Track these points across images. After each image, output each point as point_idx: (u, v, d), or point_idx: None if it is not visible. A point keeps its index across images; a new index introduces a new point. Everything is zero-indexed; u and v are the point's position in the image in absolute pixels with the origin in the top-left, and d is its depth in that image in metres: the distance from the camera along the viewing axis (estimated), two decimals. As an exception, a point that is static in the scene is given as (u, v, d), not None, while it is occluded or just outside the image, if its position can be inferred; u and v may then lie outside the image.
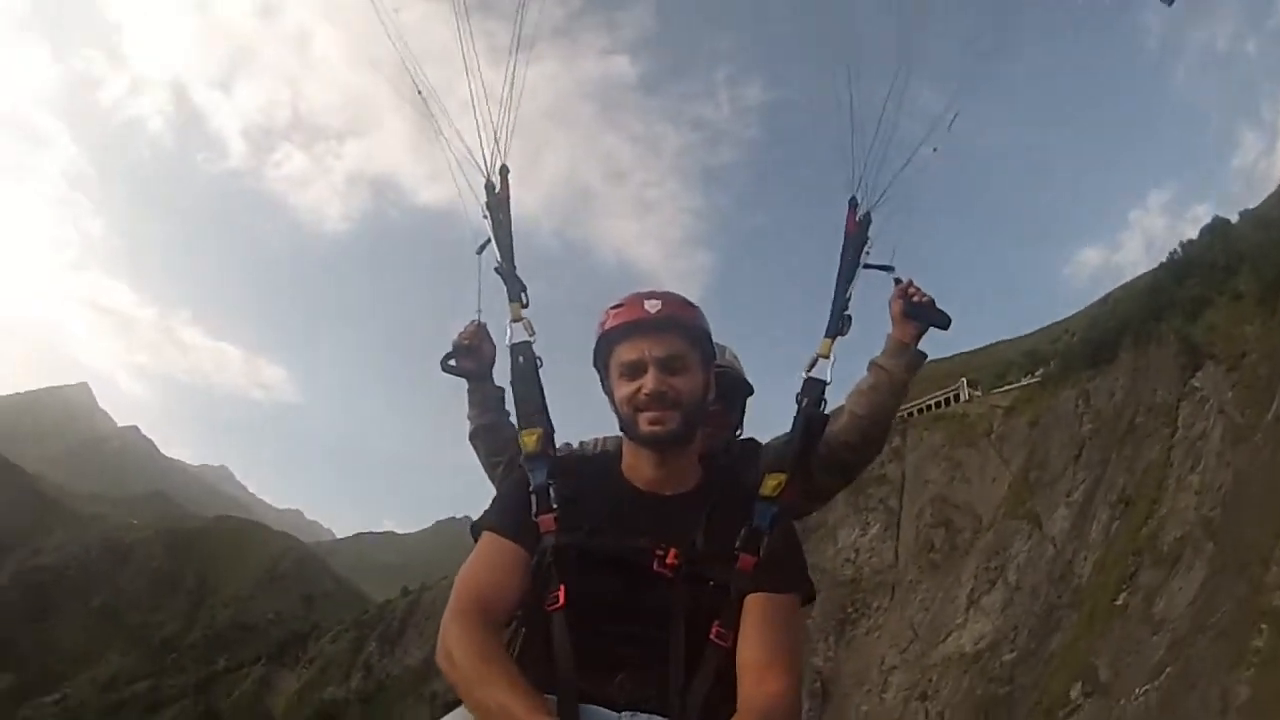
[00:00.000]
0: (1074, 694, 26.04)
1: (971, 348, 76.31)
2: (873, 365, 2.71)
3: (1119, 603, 26.71)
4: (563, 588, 2.03)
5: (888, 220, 2.77)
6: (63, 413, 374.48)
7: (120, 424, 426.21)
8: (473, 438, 3.04)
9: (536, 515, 2.16)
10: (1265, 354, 27.26)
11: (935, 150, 2.82)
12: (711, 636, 2.02)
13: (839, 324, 2.66)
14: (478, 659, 1.89)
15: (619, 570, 2.06)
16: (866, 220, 2.78)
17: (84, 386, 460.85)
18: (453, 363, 2.97)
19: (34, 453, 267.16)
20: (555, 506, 2.16)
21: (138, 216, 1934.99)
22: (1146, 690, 23.11)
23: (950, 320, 2.70)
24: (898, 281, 2.72)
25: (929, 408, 55.66)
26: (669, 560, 2.05)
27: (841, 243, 2.77)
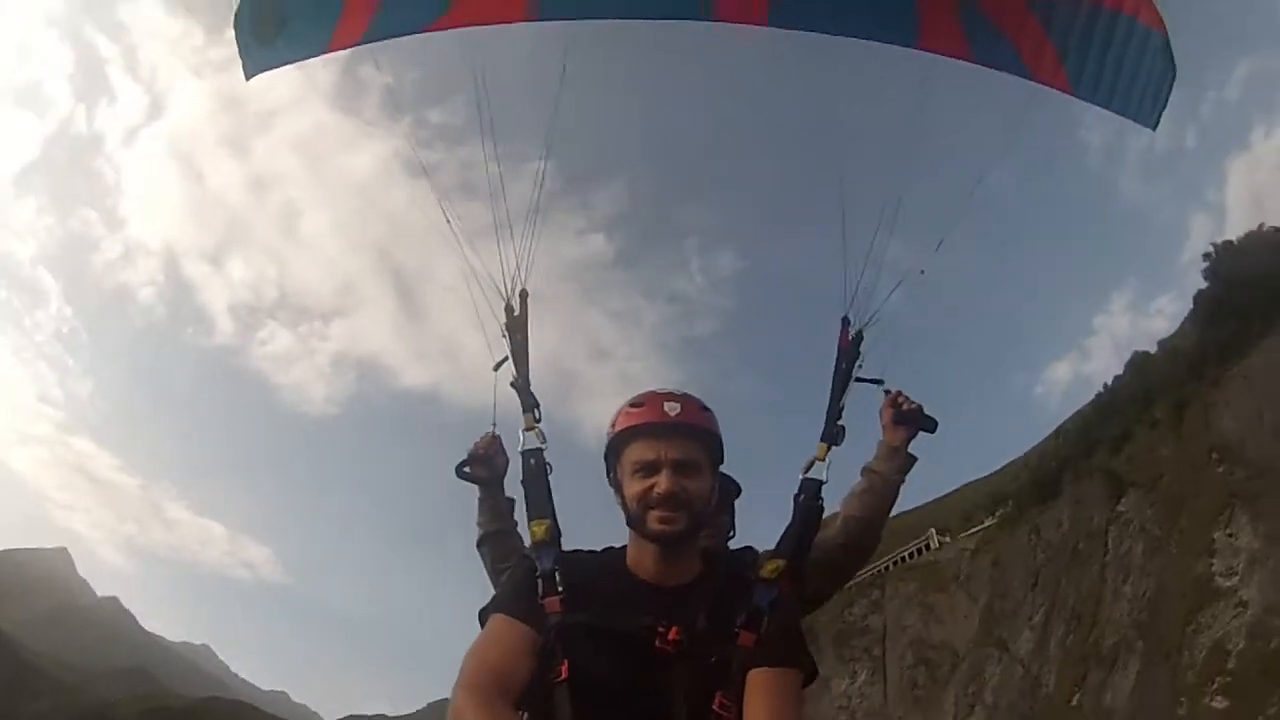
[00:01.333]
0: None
1: (943, 492, 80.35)
2: (865, 470, 2.94)
3: (1074, 703, 30.41)
4: (566, 662, 2.10)
5: (876, 340, 2.97)
6: (41, 576, 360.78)
7: (100, 594, 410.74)
8: (480, 544, 3.20)
9: (543, 598, 2.21)
10: (1176, 473, 32.16)
11: (922, 273, 3.07)
12: (714, 707, 2.09)
13: (834, 431, 2.84)
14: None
15: (622, 648, 2.12)
16: (858, 338, 3.01)
17: (63, 551, 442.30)
18: (468, 470, 3.18)
19: (11, 614, 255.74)
20: (561, 590, 2.22)
21: (126, 384, 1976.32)
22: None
23: (937, 424, 2.95)
24: (887, 392, 2.97)
25: (903, 559, 59.19)
26: (671, 638, 2.11)
27: (835, 358, 2.99)
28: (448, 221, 3.24)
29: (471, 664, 2.10)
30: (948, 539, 58.65)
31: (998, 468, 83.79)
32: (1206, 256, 36.61)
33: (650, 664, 2.10)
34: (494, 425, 3.15)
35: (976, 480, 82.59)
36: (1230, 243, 36.46)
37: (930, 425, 2.94)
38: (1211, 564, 25.57)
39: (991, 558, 48.62)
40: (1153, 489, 32.39)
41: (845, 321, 3.06)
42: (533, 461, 2.68)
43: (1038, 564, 42.58)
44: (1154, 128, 3.74)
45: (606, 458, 2.37)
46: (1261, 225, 36.82)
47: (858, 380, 2.97)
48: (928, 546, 59.45)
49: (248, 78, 3.89)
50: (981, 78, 3.72)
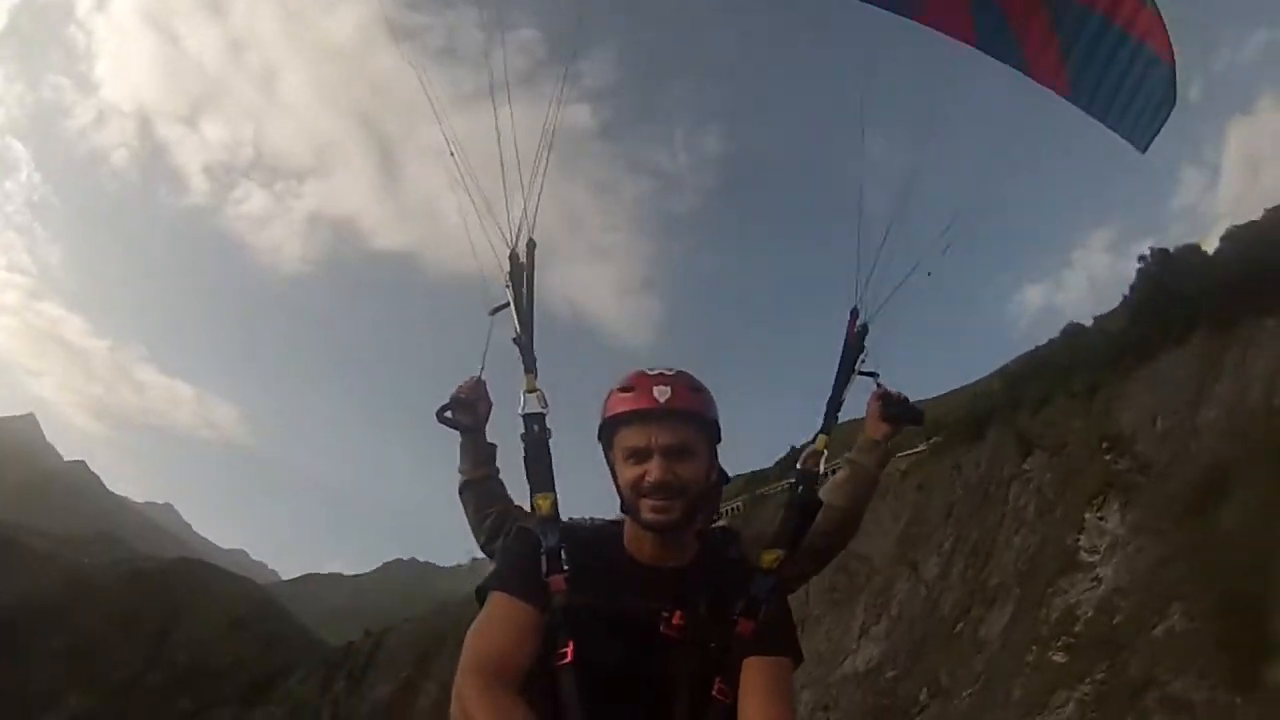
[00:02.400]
0: (922, 698, 34.88)
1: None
2: (847, 460, 3.14)
3: (956, 630, 35.80)
4: (571, 644, 2.14)
5: (881, 333, 3.09)
6: (9, 444, 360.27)
7: (67, 458, 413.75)
8: (463, 490, 3.25)
9: (547, 576, 2.26)
10: (1078, 445, 36.56)
11: (930, 274, 3.16)
12: (714, 693, 2.18)
13: (833, 424, 3.04)
14: (492, 708, 1.97)
15: (626, 631, 2.19)
16: (864, 331, 3.14)
17: (30, 418, 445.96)
18: (449, 414, 3.18)
19: None
20: (566, 568, 2.26)
21: (96, 248, 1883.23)
22: (968, 693, 32.13)
23: (922, 416, 3.20)
24: (879, 385, 3.13)
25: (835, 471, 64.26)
26: (675, 622, 2.19)
27: (841, 349, 3.12)
28: (451, 154, 3.13)
29: (475, 645, 2.12)
30: (883, 456, 63.60)
31: (952, 388, 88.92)
32: (1142, 259, 39.93)
33: (654, 648, 2.16)
34: (482, 369, 3.15)
35: (929, 398, 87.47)
36: (1166, 251, 39.64)
37: (916, 419, 3.09)
38: (1079, 539, 30.09)
39: (917, 482, 53.49)
40: (1054, 456, 36.67)
41: (854, 313, 3.11)
42: (535, 428, 2.65)
43: (954, 498, 47.46)
44: (1143, 151, 3.77)
45: (600, 439, 2.40)
46: (1198, 245, 39.93)
47: (858, 374, 3.08)
48: (862, 462, 64.33)
49: None
50: (996, 74, 3.67)
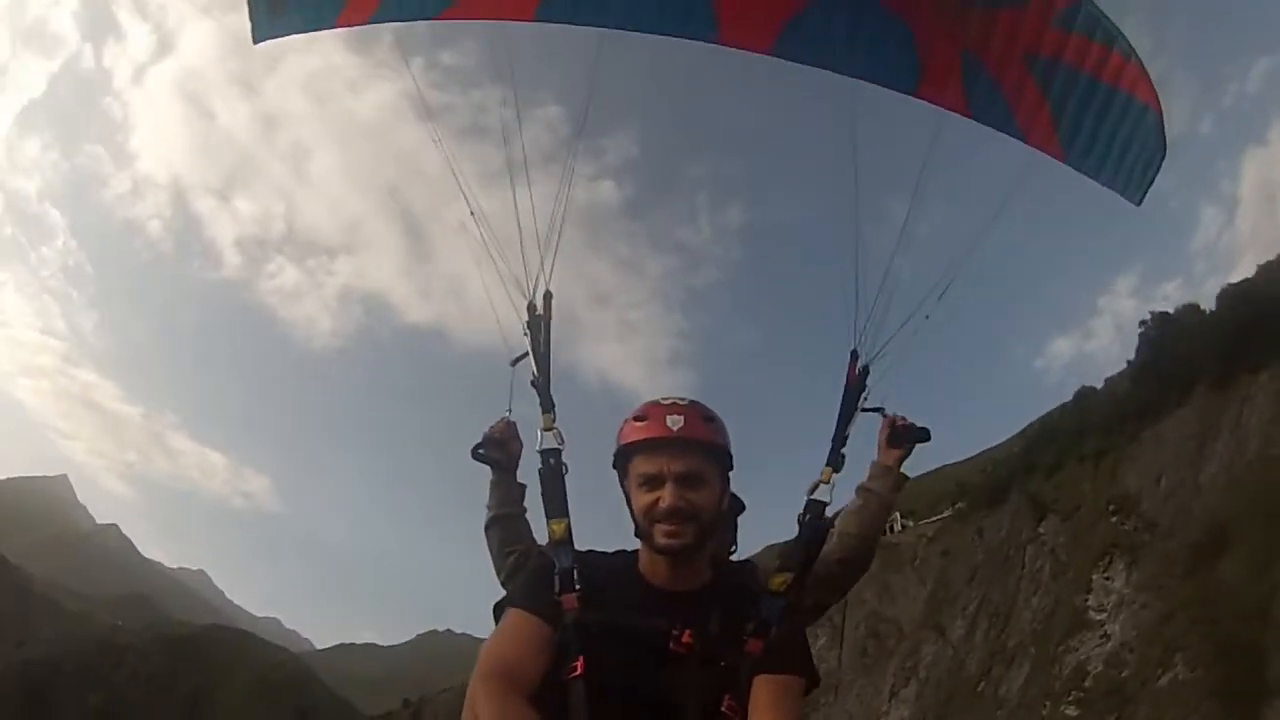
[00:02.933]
0: (950, 753, 36.08)
1: (928, 468, 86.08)
2: (860, 489, 3.10)
3: (979, 689, 37.14)
4: (581, 659, 2.17)
5: (883, 375, 3.12)
6: (42, 504, 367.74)
7: (100, 521, 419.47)
8: (489, 526, 3.32)
9: (560, 594, 2.29)
10: (1088, 508, 38.21)
11: (927, 318, 3.20)
12: (723, 709, 2.18)
13: (838, 459, 2.95)
14: (501, 715, 2.00)
15: (637, 648, 2.20)
16: (865, 371, 3.13)
17: (64, 480, 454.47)
18: (482, 451, 3.29)
19: (13, 542, 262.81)
20: (579, 588, 2.29)
21: (130, 316, 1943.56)
22: (990, 750, 33.48)
23: (929, 434, 3.14)
24: (885, 415, 3.15)
25: (870, 536, 65.49)
26: (684, 640, 2.18)
27: (843, 389, 3.10)
28: (471, 213, 3.29)
29: (488, 655, 2.16)
30: (911, 523, 65.18)
31: (979, 450, 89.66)
32: (1143, 324, 41.83)
33: (664, 665, 2.18)
34: (509, 411, 3.26)
35: (954, 464, 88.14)
36: (1166, 314, 41.45)
37: (923, 436, 3.13)
38: (1087, 599, 31.67)
39: (943, 548, 54.92)
40: (1067, 519, 38.26)
41: (854, 355, 3.16)
42: (551, 461, 2.74)
43: (977, 561, 48.87)
44: (1139, 203, 3.79)
45: (615, 468, 2.46)
46: (1197, 305, 41.64)
47: (862, 410, 3.10)
48: (892, 529, 66.07)
49: (255, 42, 4.05)
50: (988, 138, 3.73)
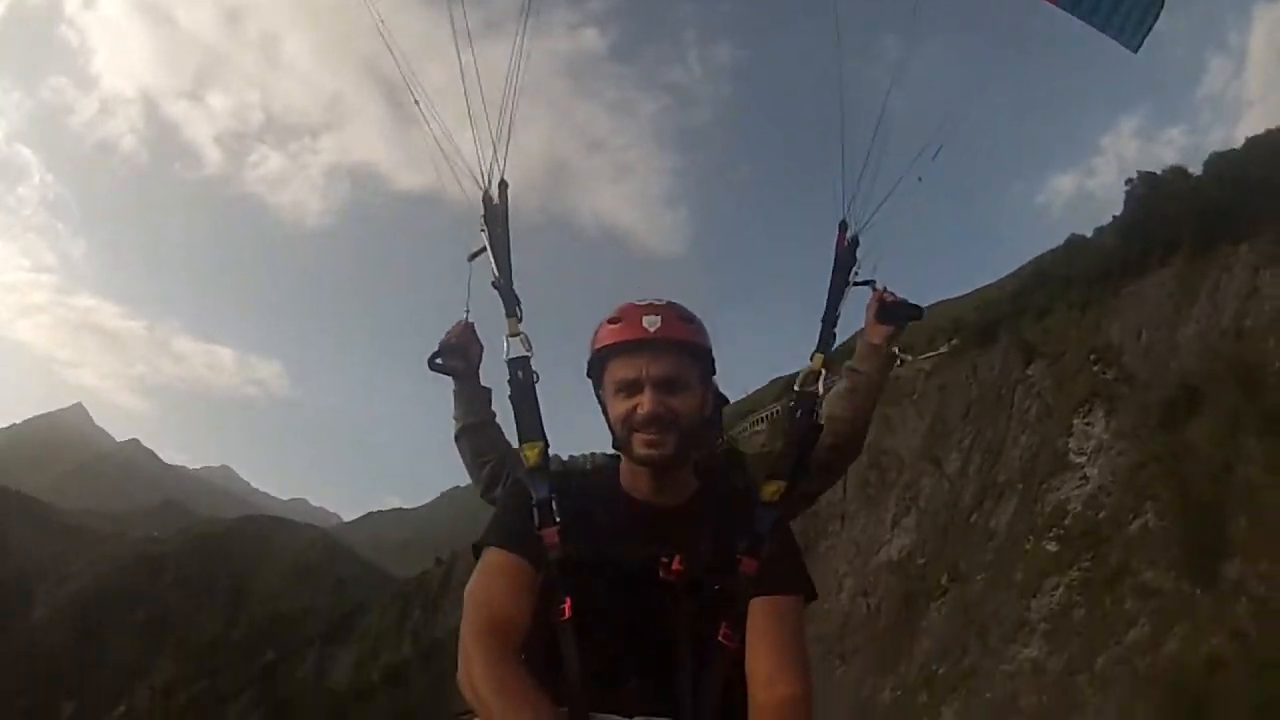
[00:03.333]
0: (944, 581, 40.15)
1: (929, 301, 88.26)
2: (847, 370, 2.94)
3: (971, 521, 40.88)
4: (569, 600, 2.08)
5: (873, 245, 2.92)
6: (61, 436, 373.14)
7: (119, 439, 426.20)
8: (458, 437, 3.19)
9: (540, 529, 2.17)
10: (1075, 353, 40.59)
11: (920, 180, 2.98)
12: (719, 638, 2.09)
13: (830, 340, 2.82)
14: (498, 683, 1.91)
15: (625, 580, 2.11)
16: (854, 243, 2.94)
17: (79, 408, 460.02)
18: (439, 361, 3.08)
19: (40, 480, 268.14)
20: (559, 520, 2.18)
21: (119, 234, 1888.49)
22: (980, 578, 37.38)
23: (921, 311, 2.96)
24: (876, 289, 2.94)
25: (869, 371, 68.61)
26: (674, 568, 2.10)
27: (832, 262, 2.92)
28: (416, 103, 2.98)
29: (474, 607, 2.07)
30: (909, 357, 67.96)
31: (978, 286, 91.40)
32: (1129, 182, 43.18)
33: (654, 596, 2.10)
34: (467, 313, 3.07)
35: (954, 298, 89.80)
36: (1154, 174, 42.53)
37: (915, 314, 2.95)
38: (1069, 442, 34.68)
39: (939, 383, 57.76)
40: (1054, 363, 40.81)
41: (842, 225, 2.97)
42: (520, 373, 2.56)
43: (971, 398, 51.89)
44: (1136, 50, 3.61)
45: (589, 375, 2.32)
46: (1184, 168, 42.58)
47: (853, 285, 2.94)
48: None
49: None
50: None
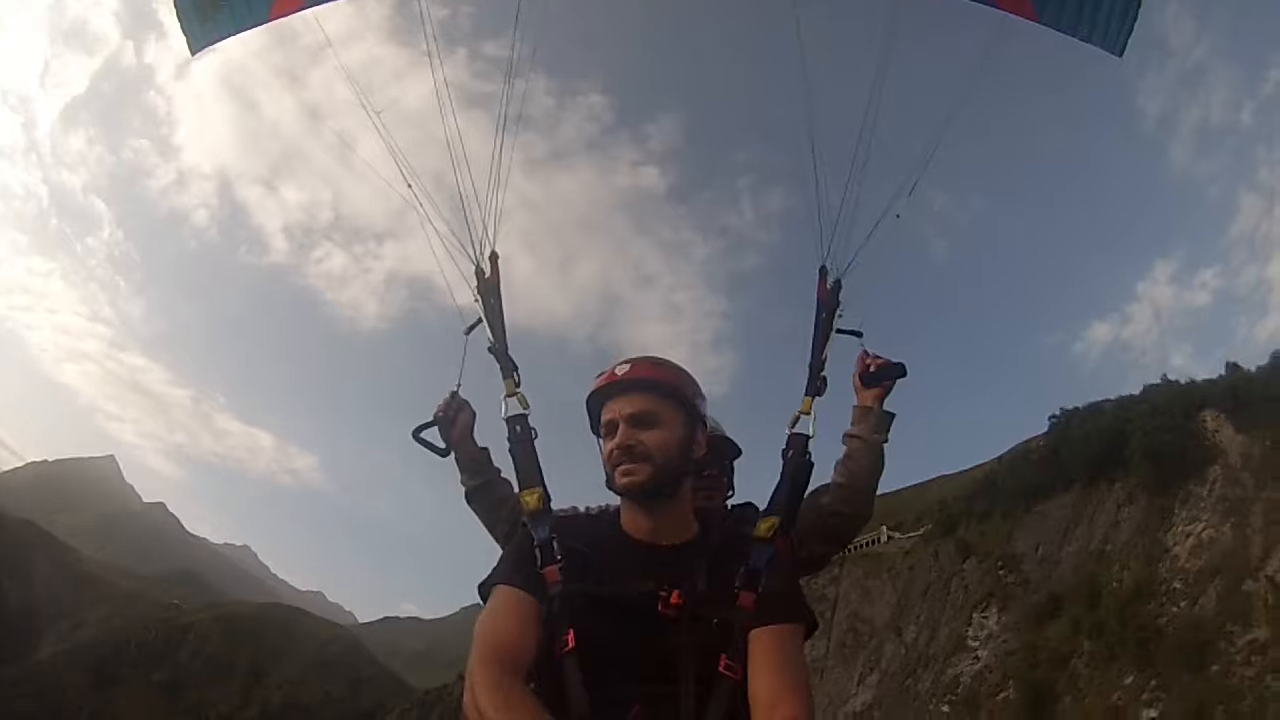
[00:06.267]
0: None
1: (918, 481, 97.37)
2: (845, 436, 3.04)
3: (906, 684, 51.40)
4: (571, 631, 2.17)
5: (857, 287, 3.06)
6: (89, 485, 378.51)
7: (146, 500, 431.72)
8: (469, 499, 3.32)
9: (542, 568, 2.29)
10: (991, 557, 51.25)
11: (898, 217, 3.13)
12: (721, 669, 2.16)
13: (817, 384, 2.96)
14: (502, 700, 2.00)
15: (625, 614, 2.20)
16: (837, 286, 3.12)
17: (111, 460, 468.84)
18: (424, 435, 3.22)
19: (63, 522, 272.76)
20: (560, 558, 2.30)
21: (177, 302, 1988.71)
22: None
23: (905, 369, 3.03)
24: (865, 350, 3.06)
25: (861, 545, 78.86)
26: (673, 601, 2.18)
27: (815, 308, 3.09)
28: (409, 185, 3.24)
29: (482, 638, 2.18)
30: (897, 534, 77.99)
31: (977, 463, 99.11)
32: (1052, 417, 55.01)
33: (655, 629, 2.17)
34: (458, 386, 3.22)
35: (952, 474, 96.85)
36: (1077, 410, 54.29)
37: (899, 373, 3.02)
38: (968, 630, 45.55)
39: (911, 562, 68.14)
40: (981, 562, 51.95)
41: (822, 270, 3.12)
42: (518, 429, 2.76)
43: (930, 579, 62.36)
44: (1120, 54, 3.72)
45: (593, 430, 2.52)
46: (1105, 400, 54.36)
47: (837, 332, 3.07)
48: (878, 540, 78.96)
49: (192, 53, 3.99)
50: (957, 14, 3.79)
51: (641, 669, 2.15)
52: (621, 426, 2.33)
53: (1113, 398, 54.43)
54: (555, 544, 2.33)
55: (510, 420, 2.80)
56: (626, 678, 2.14)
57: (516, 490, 2.68)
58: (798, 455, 2.75)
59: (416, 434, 3.18)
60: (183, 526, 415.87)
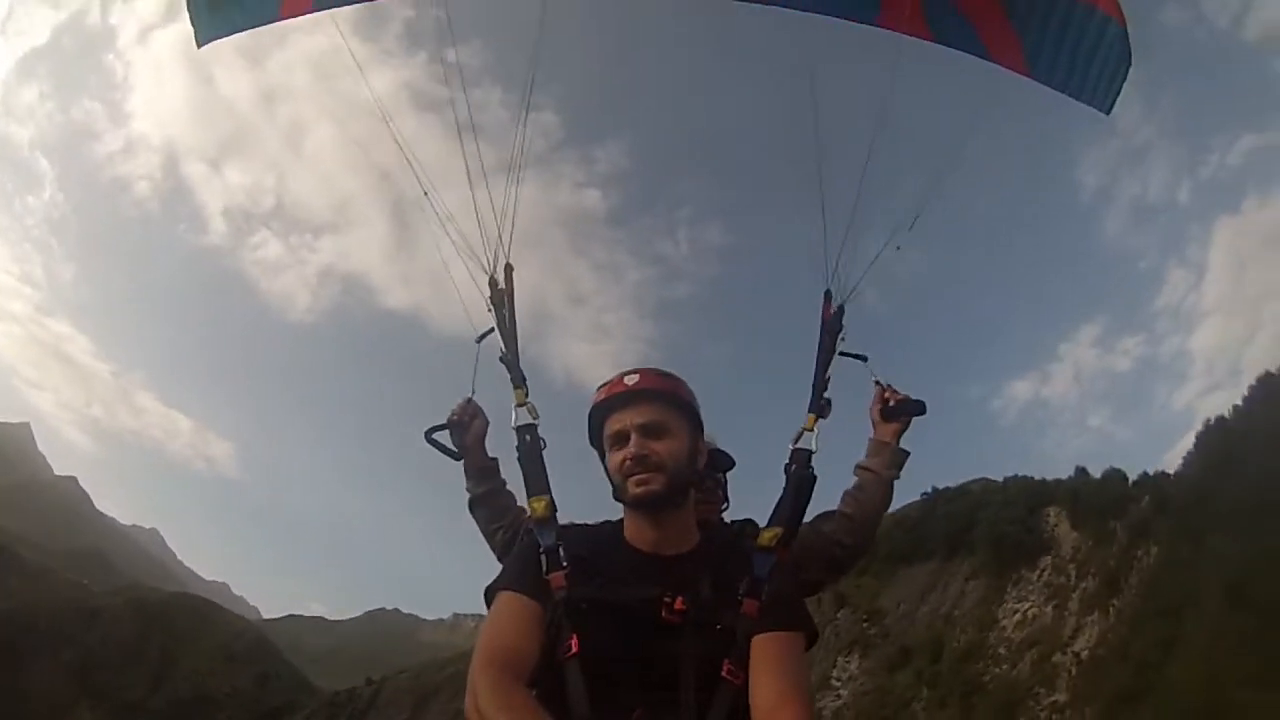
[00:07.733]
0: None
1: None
2: (858, 468, 3.13)
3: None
4: (575, 637, 2.20)
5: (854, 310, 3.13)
6: (1, 450, 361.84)
7: (58, 472, 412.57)
8: (472, 507, 3.36)
9: (547, 573, 2.33)
10: (859, 610, 58.83)
11: (898, 249, 3.23)
12: (723, 674, 2.19)
13: (821, 404, 3.00)
14: (504, 700, 2.02)
15: (629, 620, 2.23)
16: (840, 310, 3.19)
17: (25, 427, 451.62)
18: (436, 437, 3.28)
19: None
20: (565, 564, 2.34)
21: (110, 273, 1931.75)
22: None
23: (924, 406, 3.11)
24: (878, 383, 3.17)
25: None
26: (677, 607, 2.22)
27: (819, 331, 3.16)
28: (425, 194, 3.27)
29: (485, 641, 2.20)
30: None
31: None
32: (924, 494, 63.19)
33: (658, 634, 2.21)
34: (473, 393, 3.26)
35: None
36: (948, 489, 62.49)
37: (918, 410, 3.08)
38: (833, 674, 53.37)
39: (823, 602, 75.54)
40: (853, 612, 59.80)
41: (827, 295, 3.19)
42: (528, 438, 2.82)
43: (823, 623, 69.36)
44: (1108, 112, 3.82)
45: (592, 444, 2.55)
46: (980, 478, 62.74)
47: (841, 354, 3.13)
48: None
49: (199, 44, 4.03)
50: (955, 60, 3.90)
51: (644, 674, 2.21)
52: (634, 436, 2.40)
53: (979, 478, 63.69)
54: (561, 550, 2.40)
55: (520, 429, 2.90)
56: (629, 683, 2.19)
57: (522, 500, 2.80)
58: (801, 469, 2.83)
59: (429, 435, 3.29)
60: (92, 503, 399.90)
